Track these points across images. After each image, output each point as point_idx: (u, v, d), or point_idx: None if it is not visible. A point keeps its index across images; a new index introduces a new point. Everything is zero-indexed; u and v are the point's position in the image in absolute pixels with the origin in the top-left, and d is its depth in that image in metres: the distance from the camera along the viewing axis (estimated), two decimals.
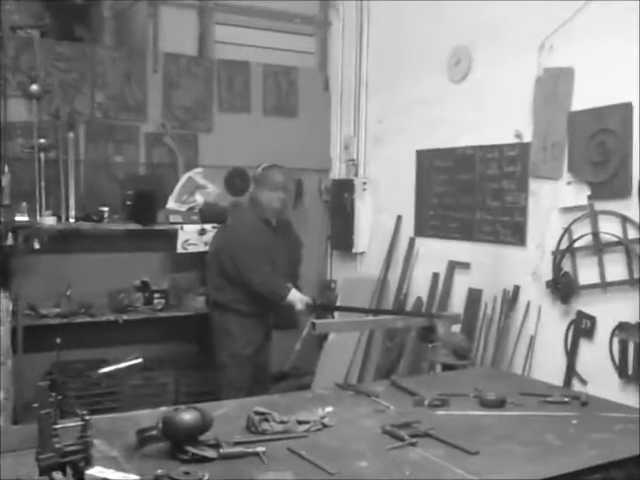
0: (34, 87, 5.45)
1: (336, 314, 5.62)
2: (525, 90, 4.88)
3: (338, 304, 6.18)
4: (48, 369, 5.21)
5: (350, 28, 6.68)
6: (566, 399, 3.31)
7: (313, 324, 3.75)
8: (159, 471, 2.30)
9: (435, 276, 5.69)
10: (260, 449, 2.54)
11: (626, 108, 4.24)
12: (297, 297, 4.79)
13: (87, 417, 2.23)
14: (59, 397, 2.29)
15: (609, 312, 4.36)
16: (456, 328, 4.83)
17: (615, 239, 4.31)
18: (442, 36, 5.61)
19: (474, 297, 5.31)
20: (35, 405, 2.12)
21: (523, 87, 4.89)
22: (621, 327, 4.25)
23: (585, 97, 4.52)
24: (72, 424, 2.25)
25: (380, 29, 6.39)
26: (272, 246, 4.90)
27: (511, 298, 5.01)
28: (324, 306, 5.19)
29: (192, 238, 5.77)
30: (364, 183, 6.48)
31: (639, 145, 4.19)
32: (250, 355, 4.96)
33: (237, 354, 4.92)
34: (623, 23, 4.25)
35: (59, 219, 5.45)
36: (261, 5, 6.49)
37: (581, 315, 4.54)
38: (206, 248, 5.73)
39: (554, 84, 4.71)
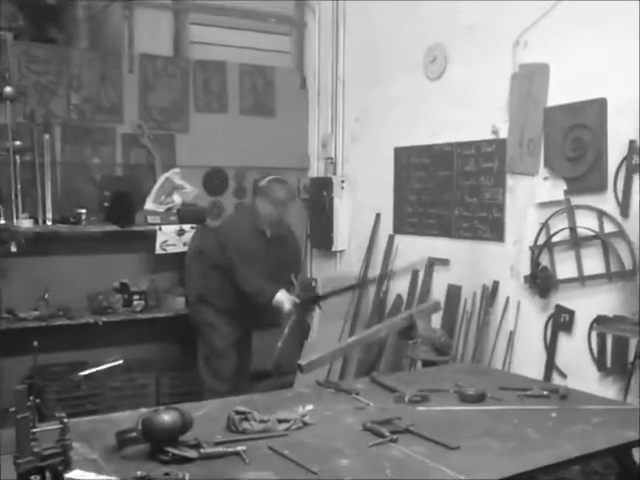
0: (8, 89, 5.40)
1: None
2: (501, 86, 4.91)
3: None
4: (27, 373, 5.17)
5: (326, 27, 6.69)
6: (545, 393, 3.34)
7: (299, 366, 3.72)
8: (139, 473, 2.29)
9: (414, 273, 5.70)
10: (241, 448, 2.54)
11: (600, 103, 4.27)
12: (285, 297, 4.80)
13: (66, 420, 2.22)
14: (38, 400, 2.28)
15: (587, 306, 4.40)
16: (437, 318, 4.83)
17: (592, 233, 4.35)
18: (417, 34, 5.63)
19: (454, 293, 5.34)
20: (12, 409, 2.10)
21: (499, 83, 4.92)
22: (599, 320, 4.28)
23: (560, 93, 4.56)
24: (50, 427, 2.24)
25: (356, 28, 6.40)
26: (262, 255, 4.91)
27: (490, 293, 5.04)
28: (310, 300, 5.18)
29: (171, 239, 5.75)
30: (342, 181, 6.48)
31: (614, 140, 4.23)
32: (230, 347, 5.04)
33: (218, 346, 5.01)
34: (597, 19, 4.29)
35: (36, 222, 5.41)
36: (236, 5, 6.47)
37: (560, 309, 4.58)
38: (185, 249, 5.73)
39: (529, 80, 4.74)
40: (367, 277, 6.14)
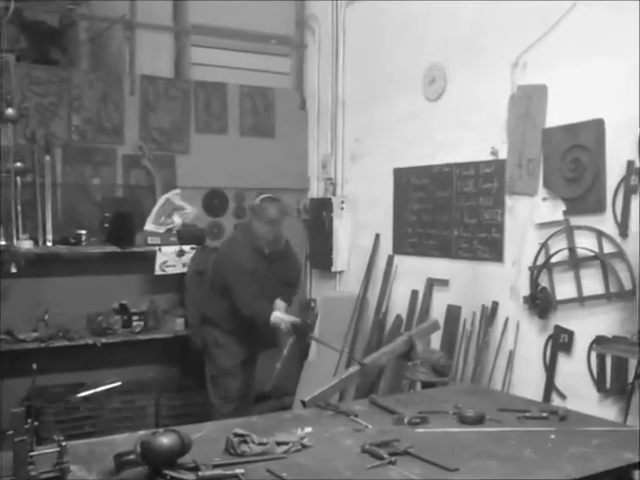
0: (10, 111, 5.41)
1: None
2: (500, 107, 4.94)
3: (318, 323, 6.16)
4: (26, 394, 5.15)
5: (326, 48, 6.74)
6: (544, 414, 3.33)
7: (303, 402, 3.73)
8: None
9: (414, 293, 5.70)
10: (239, 471, 2.53)
11: (598, 124, 4.29)
12: (279, 318, 4.80)
13: (64, 443, 2.21)
14: (36, 423, 2.27)
15: (586, 326, 4.40)
16: (436, 339, 4.80)
17: (591, 254, 4.35)
18: (417, 55, 5.66)
19: (453, 314, 5.33)
20: (10, 432, 2.10)
21: (498, 104, 4.94)
22: (598, 341, 4.28)
23: (559, 114, 4.58)
24: (48, 450, 2.23)
25: (355, 49, 6.44)
26: (261, 273, 4.92)
27: (490, 314, 5.03)
28: (307, 328, 5.23)
29: (170, 259, 5.75)
30: (342, 202, 6.50)
31: (612, 161, 4.25)
32: (237, 367, 5.06)
33: (225, 365, 5.04)
34: (594, 41, 4.32)
35: (36, 243, 5.41)
36: (237, 27, 6.51)
37: (559, 330, 4.57)
38: (184, 269, 5.73)
39: (528, 101, 4.76)
40: (366, 297, 6.15)
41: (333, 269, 6.55)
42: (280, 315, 4.81)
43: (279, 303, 4.96)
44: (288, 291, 5.22)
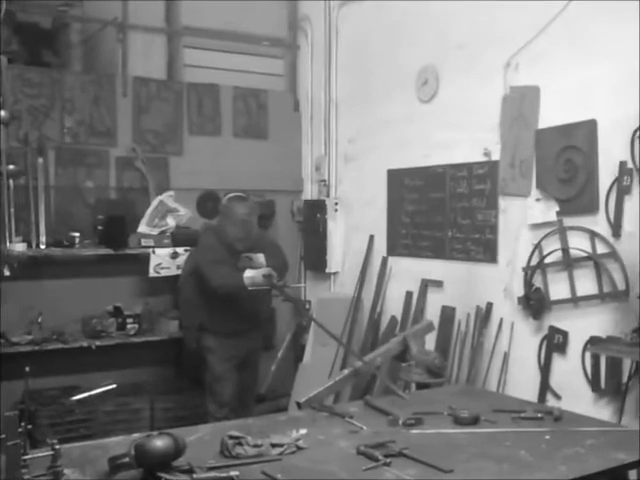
0: (2, 113, 5.37)
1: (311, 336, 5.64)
2: (492, 108, 4.94)
3: (313, 324, 6.15)
4: (19, 398, 5.13)
5: (319, 50, 6.74)
6: (539, 415, 3.33)
7: (298, 404, 3.74)
8: None
9: (408, 294, 5.70)
10: (234, 473, 2.52)
11: (591, 125, 4.30)
12: (249, 277, 4.75)
13: (57, 446, 2.21)
14: (29, 426, 2.26)
15: (580, 327, 4.41)
16: (431, 340, 4.79)
17: (584, 254, 4.36)
18: (409, 56, 5.67)
19: (447, 315, 5.33)
20: (2, 436, 2.09)
21: (490, 106, 4.95)
22: (592, 341, 4.28)
23: (551, 115, 4.59)
24: (42, 454, 2.22)
25: (348, 50, 6.44)
26: (234, 264, 4.88)
27: (484, 315, 5.04)
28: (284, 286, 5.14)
29: (164, 262, 5.74)
30: (336, 203, 6.50)
31: (605, 161, 4.25)
32: (230, 371, 5.01)
33: (217, 370, 5.00)
34: (587, 42, 4.33)
35: (29, 245, 5.39)
36: (230, 28, 6.51)
37: (553, 330, 4.58)
38: (178, 271, 5.72)
39: (521, 102, 4.77)
40: (361, 299, 6.14)
41: (327, 270, 6.55)
42: (250, 273, 4.75)
43: (254, 257, 4.89)
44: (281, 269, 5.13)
